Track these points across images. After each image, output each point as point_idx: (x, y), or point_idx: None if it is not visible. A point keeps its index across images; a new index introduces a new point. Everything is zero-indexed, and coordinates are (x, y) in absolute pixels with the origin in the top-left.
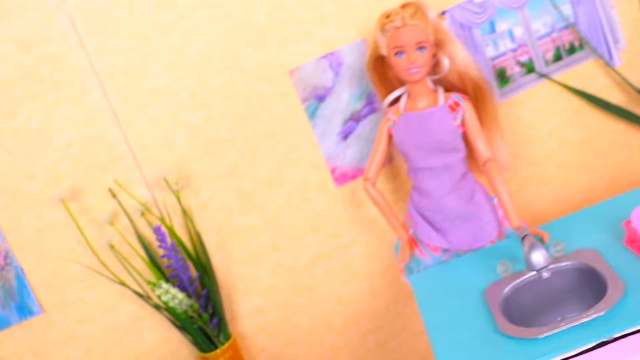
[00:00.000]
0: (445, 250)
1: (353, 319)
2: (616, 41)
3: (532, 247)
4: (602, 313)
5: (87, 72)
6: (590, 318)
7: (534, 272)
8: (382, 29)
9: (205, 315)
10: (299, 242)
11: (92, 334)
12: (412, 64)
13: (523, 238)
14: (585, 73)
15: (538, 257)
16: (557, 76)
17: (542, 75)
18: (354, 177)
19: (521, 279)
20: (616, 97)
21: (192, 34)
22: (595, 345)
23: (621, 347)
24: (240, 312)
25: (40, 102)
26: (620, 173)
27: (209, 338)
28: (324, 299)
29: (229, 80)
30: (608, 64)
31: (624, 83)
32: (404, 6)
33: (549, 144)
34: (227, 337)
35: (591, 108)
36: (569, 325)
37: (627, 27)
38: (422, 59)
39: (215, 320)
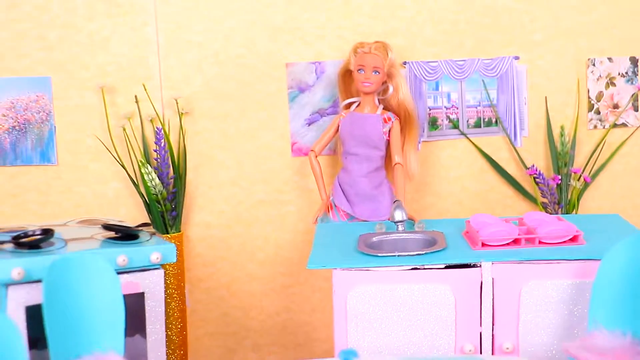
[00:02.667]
0: (350, 218)
1: (272, 259)
2: (522, 129)
3: (396, 207)
4: (422, 253)
5: (149, 9)
6: (414, 254)
7: (396, 230)
8: (355, 50)
9: (169, 205)
10: (252, 186)
11: (82, 194)
12: (366, 80)
13: (394, 202)
14: (494, 143)
15: (398, 213)
16: (474, 138)
17: (462, 133)
18: (306, 154)
19: (387, 235)
20: (511, 169)
21: (233, 12)
22: (411, 269)
23: (427, 274)
24: (193, 220)
25: (110, 23)
26: None
27: (165, 224)
28: (256, 235)
29: (244, 53)
30: (512, 143)
31: (519, 161)
32: (375, 42)
33: (453, 185)
34: (178, 230)
35: (492, 170)
36: (400, 254)
37: (532, 122)
38: (374, 79)
39: (174, 213)
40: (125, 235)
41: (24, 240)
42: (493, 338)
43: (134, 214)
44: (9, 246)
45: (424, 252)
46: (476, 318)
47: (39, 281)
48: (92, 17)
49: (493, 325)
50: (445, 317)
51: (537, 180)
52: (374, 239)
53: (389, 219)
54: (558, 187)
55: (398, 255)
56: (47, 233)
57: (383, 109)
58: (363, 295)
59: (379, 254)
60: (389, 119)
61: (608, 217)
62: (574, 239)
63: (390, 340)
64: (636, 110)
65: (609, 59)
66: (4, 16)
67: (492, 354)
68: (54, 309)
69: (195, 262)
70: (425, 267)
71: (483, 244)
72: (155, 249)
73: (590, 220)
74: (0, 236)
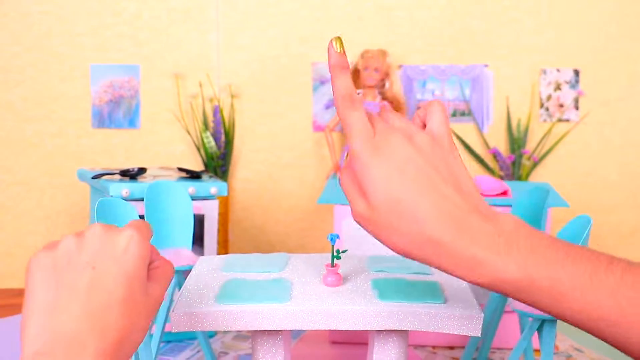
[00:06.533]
0: None
1: (294, 208)
2: (488, 119)
3: None
4: None
5: (212, 20)
6: None
7: None
8: (362, 55)
9: (220, 162)
10: (281, 153)
11: (157, 152)
12: (369, 77)
13: None
14: (466, 129)
15: None
16: (451, 124)
17: None
18: (323, 129)
19: None
20: (478, 149)
21: (274, 24)
22: None
23: None
24: (237, 175)
25: (184, 29)
26: None
27: (217, 176)
28: (282, 189)
29: (280, 54)
30: (480, 129)
31: (484, 143)
32: (378, 50)
33: None
34: (225, 181)
35: (463, 149)
36: None
37: (496, 114)
38: (375, 76)
39: (223, 168)
40: (193, 175)
41: (127, 173)
42: None
43: (195, 167)
44: (117, 177)
45: None
46: None
47: (138, 199)
48: (171, 24)
49: None
50: None
51: (497, 158)
52: None
53: None
54: (512, 164)
55: None
56: (142, 170)
57: (381, 98)
58: (353, 223)
59: None
60: (384, 106)
61: (539, 184)
62: (504, 194)
63: (369, 252)
64: (577, 109)
65: (557, 69)
66: (110, 20)
67: None
68: (151, 217)
69: (236, 207)
70: None
71: None
72: (213, 185)
73: (525, 184)
74: (111, 171)
